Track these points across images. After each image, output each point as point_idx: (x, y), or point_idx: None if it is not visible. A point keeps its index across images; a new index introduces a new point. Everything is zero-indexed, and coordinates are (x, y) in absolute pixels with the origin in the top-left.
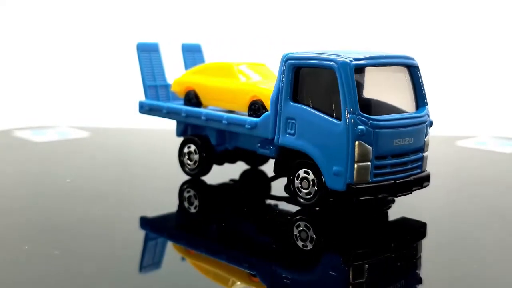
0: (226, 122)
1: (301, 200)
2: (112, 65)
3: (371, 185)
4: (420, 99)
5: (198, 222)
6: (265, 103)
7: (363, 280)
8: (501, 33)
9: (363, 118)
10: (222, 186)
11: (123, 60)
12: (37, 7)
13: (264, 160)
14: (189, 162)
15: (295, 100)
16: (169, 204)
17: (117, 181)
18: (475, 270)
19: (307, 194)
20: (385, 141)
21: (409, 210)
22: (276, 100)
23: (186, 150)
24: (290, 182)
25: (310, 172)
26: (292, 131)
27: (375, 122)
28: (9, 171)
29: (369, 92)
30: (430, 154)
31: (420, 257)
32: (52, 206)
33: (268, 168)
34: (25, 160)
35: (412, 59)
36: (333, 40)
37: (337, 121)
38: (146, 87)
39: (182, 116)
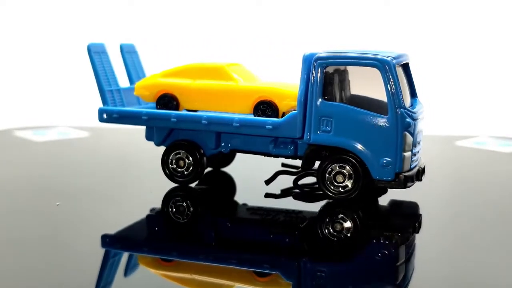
0: (237, 124)
1: (331, 193)
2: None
3: (411, 172)
4: (413, 91)
5: (199, 229)
6: (278, 103)
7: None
8: (500, 33)
9: (408, 112)
10: (203, 191)
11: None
12: (38, 7)
13: (227, 161)
14: (179, 169)
15: (329, 99)
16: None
17: (116, 182)
18: (473, 270)
19: (343, 187)
20: (417, 131)
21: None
22: (304, 100)
23: (173, 157)
24: (320, 177)
25: (346, 166)
26: (328, 129)
27: (415, 114)
28: (9, 171)
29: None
30: (429, 154)
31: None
32: (51, 207)
33: (231, 169)
34: (25, 160)
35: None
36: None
37: (383, 116)
38: (105, 92)
39: (171, 122)
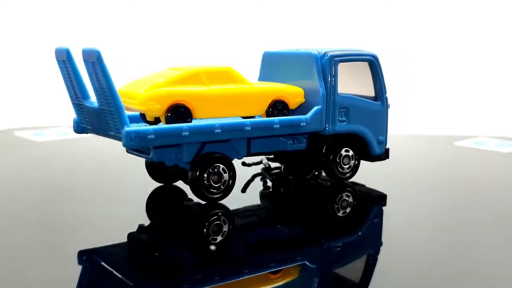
0: (278, 126)
1: (341, 175)
2: (112, 65)
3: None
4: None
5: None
6: (290, 102)
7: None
8: (499, 33)
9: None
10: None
11: (122, 60)
12: (38, 8)
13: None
14: (216, 185)
15: (343, 91)
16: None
17: (116, 183)
18: (473, 270)
19: (348, 167)
20: None
21: (406, 208)
22: (326, 95)
23: (209, 172)
24: (332, 163)
25: (350, 150)
26: (344, 118)
27: None
28: (9, 171)
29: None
30: (428, 154)
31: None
32: (52, 207)
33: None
34: (25, 160)
35: None
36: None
37: (376, 102)
38: (123, 109)
39: (216, 134)
